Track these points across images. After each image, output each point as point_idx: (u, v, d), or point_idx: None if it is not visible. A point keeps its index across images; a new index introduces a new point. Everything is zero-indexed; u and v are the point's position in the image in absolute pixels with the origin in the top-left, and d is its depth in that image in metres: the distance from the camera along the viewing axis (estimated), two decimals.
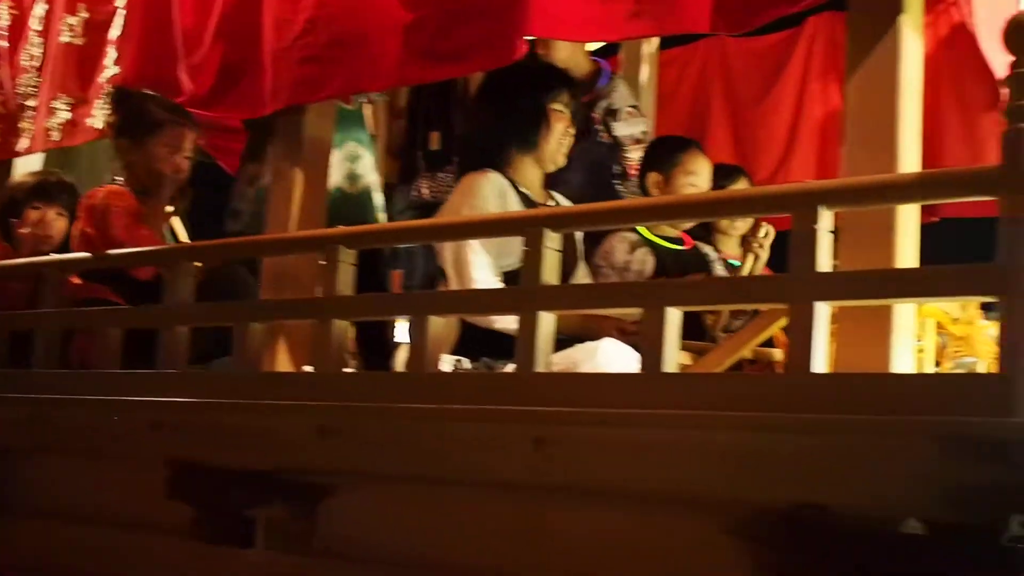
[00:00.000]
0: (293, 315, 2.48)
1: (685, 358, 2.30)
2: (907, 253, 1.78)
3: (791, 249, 1.61)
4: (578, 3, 2.22)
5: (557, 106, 2.76)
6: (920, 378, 1.56)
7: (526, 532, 1.99)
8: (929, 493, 1.46)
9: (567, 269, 2.49)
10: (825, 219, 1.58)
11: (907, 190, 1.58)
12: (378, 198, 3.53)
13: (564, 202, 2.82)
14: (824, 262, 1.58)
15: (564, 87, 2.86)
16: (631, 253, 3.15)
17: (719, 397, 1.67)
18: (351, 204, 3.40)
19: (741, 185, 3.62)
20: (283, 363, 2.56)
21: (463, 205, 2.55)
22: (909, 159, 1.78)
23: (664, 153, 3.27)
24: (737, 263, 3.45)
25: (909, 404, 1.47)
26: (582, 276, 2.77)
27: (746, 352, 2.31)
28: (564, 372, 2.05)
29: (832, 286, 1.56)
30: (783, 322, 2.04)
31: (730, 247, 3.61)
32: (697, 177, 3.18)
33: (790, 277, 1.61)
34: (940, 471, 1.44)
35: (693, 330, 2.74)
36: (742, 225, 3.55)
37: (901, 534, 1.55)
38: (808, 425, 1.54)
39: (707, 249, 3.33)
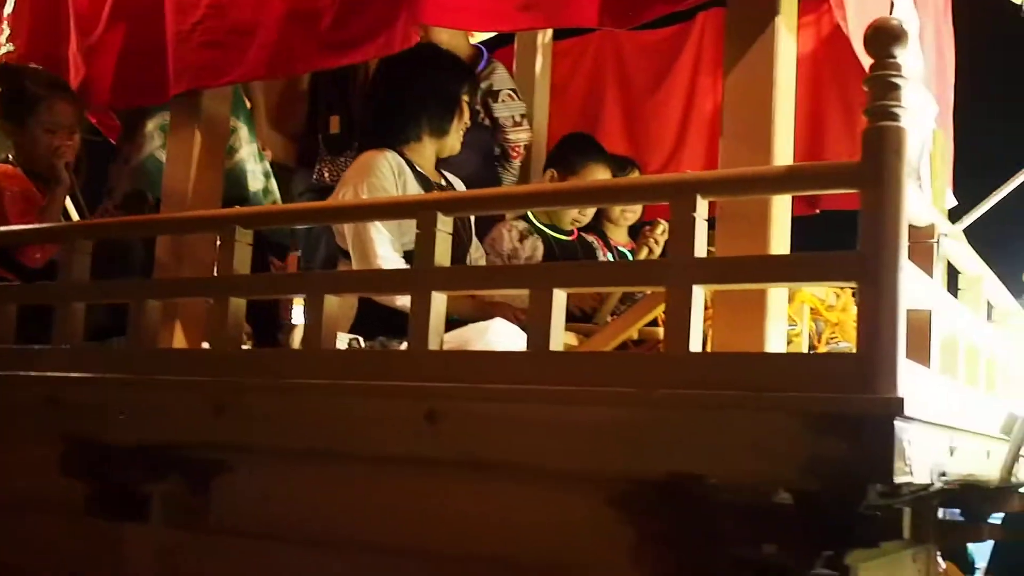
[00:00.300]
0: (190, 293, 2.50)
1: (573, 339, 2.40)
2: (780, 241, 1.90)
3: (670, 236, 1.71)
4: None
5: (466, 96, 2.87)
6: (785, 357, 1.67)
7: (419, 505, 2.07)
8: (794, 464, 1.57)
9: (461, 250, 2.57)
10: (702, 208, 1.68)
11: (776, 182, 1.69)
12: (254, 170, 3.51)
13: (456, 182, 2.90)
14: (700, 248, 1.68)
15: (471, 77, 2.97)
16: (520, 242, 3.25)
17: (602, 374, 1.76)
18: (225, 178, 3.43)
19: (632, 176, 3.75)
20: (179, 340, 2.58)
21: (361, 181, 2.61)
22: (782, 153, 1.90)
23: (569, 156, 3.37)
24: (627, 251, 3.58)
25: (776, 382, 1.58)
26: (476, 257, 2.85)
27: (632, 333, 2.41)
28: (455, 350, 2.13)
29: (707, 271, 1.66)
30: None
31: (619, 236, 3.74)
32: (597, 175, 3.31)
33: (668, 262, 1.72)
34: (803, 444, 1.55)
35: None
36: (632, 216, 3.69)
37: (770, 502, 1.67)
38: (684, 400, 1.64)
39: (591, 239, 3.45)
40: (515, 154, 3.61)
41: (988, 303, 2.55)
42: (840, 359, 1.64)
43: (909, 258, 1.79)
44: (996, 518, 3.34)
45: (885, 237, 1.50)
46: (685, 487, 1.70)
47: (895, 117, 1.53)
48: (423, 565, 2.08)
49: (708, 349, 1.94)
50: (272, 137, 3.88)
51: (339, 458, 2.09)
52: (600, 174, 3.31)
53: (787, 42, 1.94)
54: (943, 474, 1.75)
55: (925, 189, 2.63)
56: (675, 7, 2.08)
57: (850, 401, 1.49)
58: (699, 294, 1.66)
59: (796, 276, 1.65)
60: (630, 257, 3.56)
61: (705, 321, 1.94)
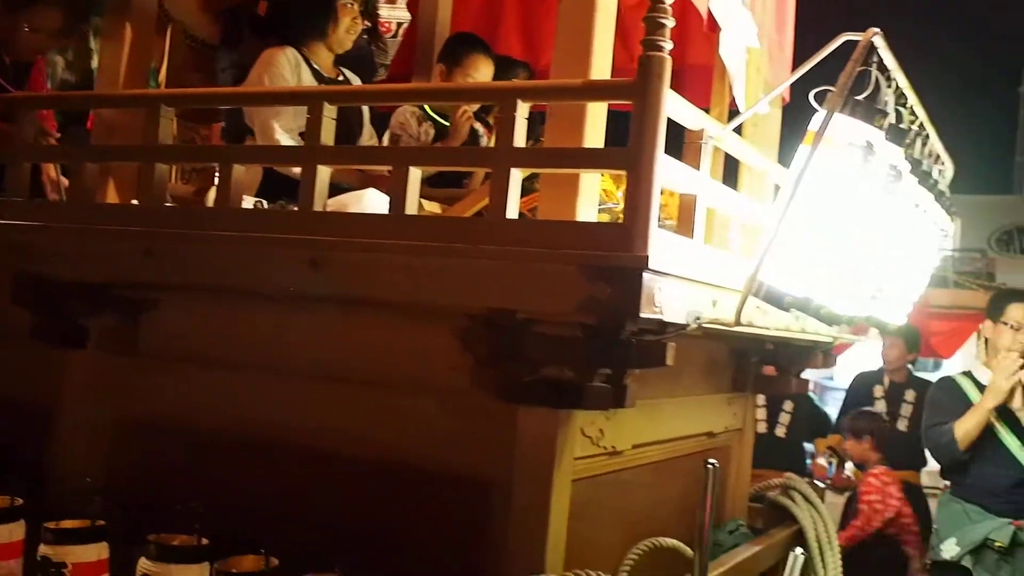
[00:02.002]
0: (124, 159, 2.95)
1: (438, 208, 2.92)
2: (594, 135, 2.41)
3: (497, 130, 2.24)
4: None
5: (345, 1, 3.29)
6: (573, 224, 2.19)
7: (306, 333, 2.61)
8: (576, 303, 2.12)
9: (351, 133, 3.06)
10: (522, 109, 2.19)
11: (574, 92, 2.21)
12: None
13: (354, 78, 3.37)
14: (520, 140, 2.20)
15: None
16: (420, 126, 3.74)
17: (444, 234, 2.29)
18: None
19: (521, 78, 4.18)
20: (112, 197, 3.04)
21: (264, 74, 3.08)
22: (600, 66, 2.40)
23: (456, 50, 3.82)
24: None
25: (567, 242, 2.13)
26: (367, 138, 3.34)
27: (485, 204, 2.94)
28: (336, 211, 2.64)
29: (520, 158, 2.19)
30: None
31: None
32: (474, 78, 3.75)
33: (494, 150, 2.25)
34: (583, 288, 2.10)
35: None
36: None
37: (562, 332, 2.22)
38: (500, 254, 2.18)
39: (477, 126, 3.94)
40: (384, 29, 4.01)
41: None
42: (612, 227, 2.18)
43: (684, 156, 2.35)
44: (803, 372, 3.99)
45: (644, 137, 2.04)
46: (502, 320, 2.26)
47: (660, 49, 2.06)
48: (307, 383, 2.63)
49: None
50: (199, 15, 4.25)
51: (243, 295, 2.60)
52: (483, 66, 3.77)
53: None
54: (698, 318, 2.32)
55: (739, 95, 3.17)
56: None
57: (613, 257, 2.04)
58: (516, 175, 2.20)
59: (583, 164, 2.18)
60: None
61: (535, 197, 2.48)
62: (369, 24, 3.98)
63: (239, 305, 2.65)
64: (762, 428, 6.83)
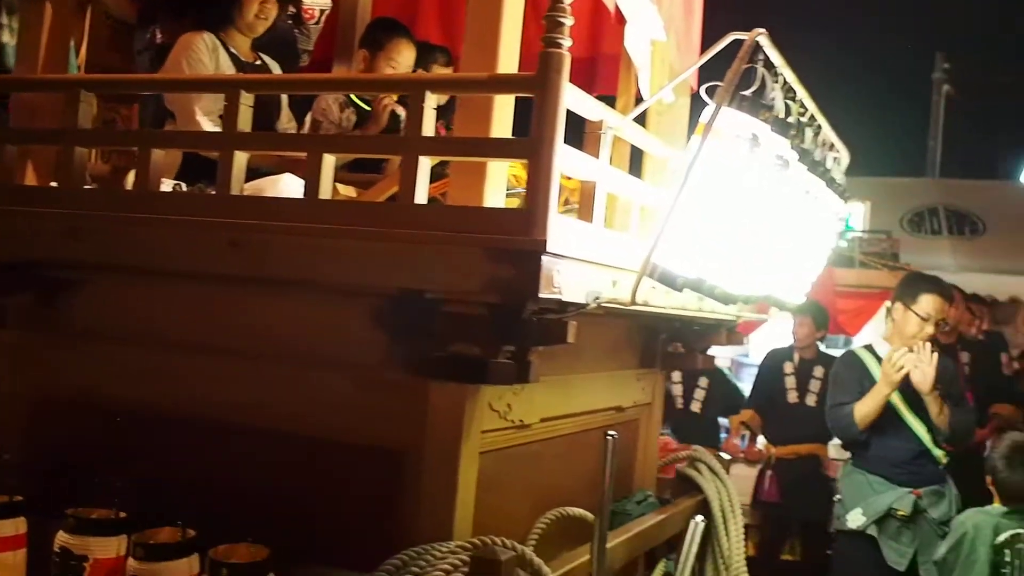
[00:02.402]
0: (42, 142, 3.00)
1: (352, 191, 3.03)
2: (501, 125, 2.53)
3: (407, 118, 2.35)
4: None
5: None
6: (477, 210, 2.31)
7: (224, 312, 2.70)
8: (481, 284, 2.25)
9: (269, 118, 3.15)
10: (430, 100, 2.31)
11: (480, 85, 2.33)
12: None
13: (273, 64, 3.45)
14: (428, 130, 2.32)
15: None
16: (342, 112, 3.82)
17: (356, 217, 2.41)
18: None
19: (440, 64, 4.27)
20: (31, 178, 3.08)
21: (182, 58, 3.15)
22: (507, 60, 2.51)
23: (377, 35, 3.90)
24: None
25: (471, 227, 2.26)
26: (285, 122, 3.43)
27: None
28: (252, 195, 2.73)
29: (429, 146, 2.31)
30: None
31: None
32: (397, 62, 3.84)
33: (404, 139, 2.36)
34: (486, 270, 2.23)
35: None
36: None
37: (468, 311, 2.35)
38: (411, 237, 2.30)
39: (400, 110, 4.03)
40: (307, 16, 4.08)
41: None
42: (514, 212, 2.29)
43: (584, 145, 2.48)
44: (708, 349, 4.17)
45: (544, 128, 2.17)
46: (412, 299, 2.38)
47: (560, 46, 2.19)
48: (227, 360, 2.72)
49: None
50: None
51: (162, 276, 2.69)
52: (405, 51, 3.86)
53: None
54: (597, 298, 2.46)
55: (644, 85, 3.32)
56: None
57: (514, 241, 2.17)
58: (425, 163, 2.32)
59: (487, 153, 2.31)
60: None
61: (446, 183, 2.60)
62: (294, 10, 4.06)
63: (159, 285, 2.73)
64: (679, 404, 7.06)
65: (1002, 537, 4.18)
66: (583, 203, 2.48)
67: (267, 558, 2.29)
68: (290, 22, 4.06)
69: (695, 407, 7.05)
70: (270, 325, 2.67)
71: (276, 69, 3.44)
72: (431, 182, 2.53)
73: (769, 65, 2.48)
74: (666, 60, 3.38)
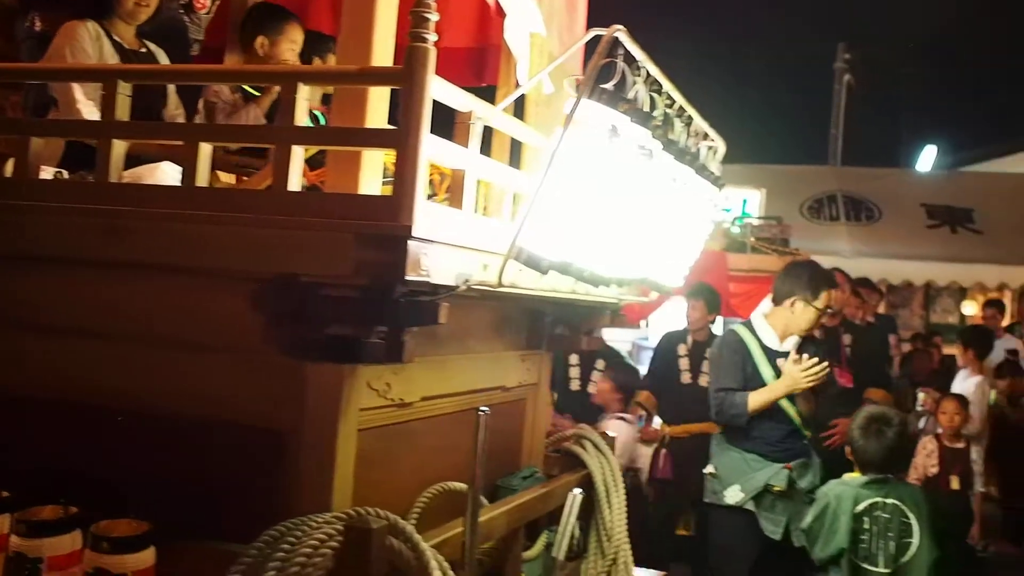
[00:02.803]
0: None
1: (233, 179, 3.11)
2: (376, 115, 2.63)
3: (279, 108, 2.45)
4: None
5: None
6: (348, 196, 2.41)
7: (105, 297, 2.76)
8: (352, 267, 2.36)
9: (155, 106, 3.20)
10: (302, 91, 2.41)
11: (350, 77, 2.44)
12: None
13: (159, 52, 3.50)
14: (300, 119, 2.42)
15: None
16: (233, 94, 3.89)
17: (235, 204, 2.49)
18: None
19: (333, 54, 4.34)
20: None
21: (65, 46, 3.19)
22: (382, 52, 2.61)
23: (274, 21, 3.97)
24: (319, 113, 4.25)
25: (342, 213, 2.36)
26: (173, 108, 3.48)
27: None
28: (131, 182, 2.79)
29: (300, 136, 2.41)
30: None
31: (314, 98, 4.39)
32: (296, 43, 3.93)
33: (277, 128, 2.45)
34: (356, 254, 2.34)
35: None
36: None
37: (339, 293, 2.45)
38: (282, 223, 2.39)
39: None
40: (199, 5, 4.14)
41: None
42: (382, 199, 2.40)
43: (455, 134, 2.60)
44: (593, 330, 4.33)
45: (411, 119, 2.28)
46: (288, 284, 2.47)
47: (425, 40, 2.30)
48: (111, 345, 2.78)
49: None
50: None
51: (45, 262, 2.74)
52: (298, 35, 3.94)
53: None
54: (467, 280, 2.58)
55: (523, 77, 3.45)
56: None
57: (381, 226, 2.29)
58: (298, 152, 2.41)
59: (355, 142, 2.41)
60: (322, 120, 4.23)
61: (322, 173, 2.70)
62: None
63: (40, 272, 2.77)
64: (576, 386, 7.23)
65: (861, 506, 4.44)
66: (453, 190, 2.60)
67: (147, 532, 2.38)
68: (181, 11, 4.10)
69: (592, 388, 7.23)
70: (151, 310, 2.73)
71: (162, 57, 3.49)
72: (313, 170, 2.62)
73: (630, 60, 2.62)
74: (545, 52, 3.50)
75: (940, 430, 6.72)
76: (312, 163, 3.06)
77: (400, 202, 2.29)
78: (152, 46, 3.48)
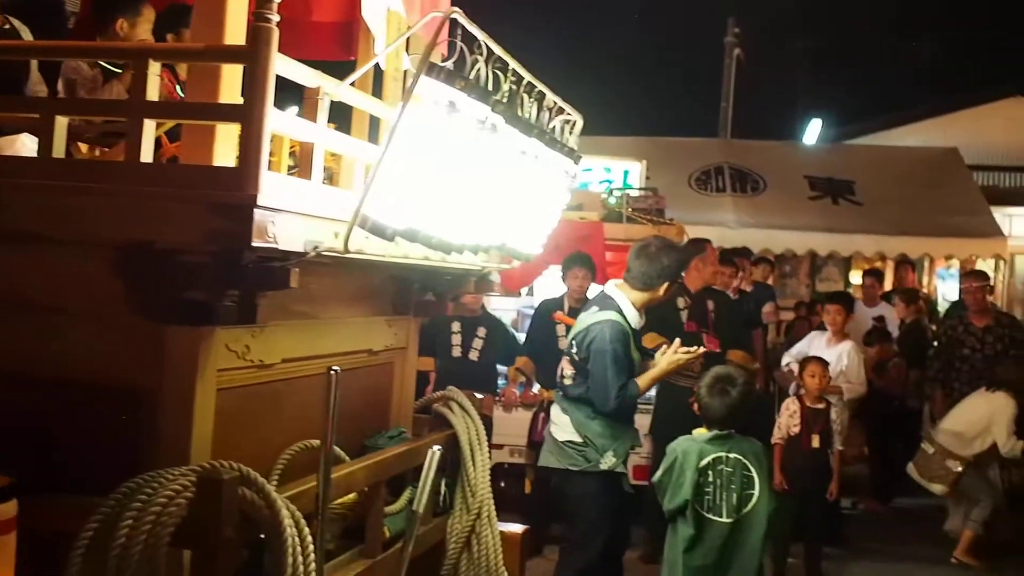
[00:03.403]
0: None
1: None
2: (230, 91, 2.76)
3: (132, 84, 2.58)
4: None
5: None
6: (196, 168, 2.56)
7: None
8: (204, 235, 2.51)
9: (18, 80, 3.29)
10: (154, 67, 2.54)
11: (195, 55, 2.59)
12: None
13: (21, 26, 3.57)
14: (152, 94, 2.55)
15: None
16: (92, 70, 3.97)
17: (90, 175, 2.62)
18: None
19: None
20: None
21: None
22: (234, 30, 2.74)
23: (130, 3, 4.05)
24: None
25: (193, 183, 2.51)
26: (35, 82, 3.55)
27: None
28: None
29: (151, 110, 2.55)
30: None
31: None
32: (151, 23, 4.01)
33: (130, 102, 2.59)
34: (206, 222, 2.49)
35: None
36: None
37: (192, 259, 2.60)
38: (136, 193, 2.53)
39: (165, 77, 4.19)
40: None
41: None
42: (230, 171, 2.55)
43: (303, 109, 2.76)
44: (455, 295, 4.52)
45: (255, 94, 2.44)
46: (144, 251, 2.61)
47: (268, 21, 2.45)
48: None
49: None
50: None
51: None
52: (150, 13, 4.02)
53: None
54: (316, 247, 2.75)
55: (380, 54, 3.60)
56: None
57: (228, 196, 2.44)
58: (150, 124, 2.55)
59: (203, 117, 2.56)
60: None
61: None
62: None
63: None
64: (457, 353, 7.43)
65: (705, 460, 4.74)
66: (302, 162, 2.76)
67: (9, 485, 2.50)
68: None
69: (473, 356, 7.43)
70: (19, 277, 2.83)
71: (25, 33, 3.56)
72: (173, 142, 2.75)
73: (470, 40, 2.80)
74: (404, 29, 3.66)
75: (803, 391, 7.05)
76: (173, 136, 3.20)
77: (245, 172, 2.45)
78: (16, 22, 3.54)
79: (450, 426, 4.31)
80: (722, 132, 19.79)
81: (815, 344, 8.11)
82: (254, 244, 2.46)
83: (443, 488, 4.29)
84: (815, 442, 6.89)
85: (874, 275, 11.44)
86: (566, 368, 5.30)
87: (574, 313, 7.32)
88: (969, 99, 20.12)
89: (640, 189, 9.22)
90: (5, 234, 2.74)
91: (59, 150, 2.62)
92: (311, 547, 2.75)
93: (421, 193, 2.83)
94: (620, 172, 10.15)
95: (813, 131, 20.24)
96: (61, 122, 2.60)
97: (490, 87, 2.98)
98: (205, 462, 2.68)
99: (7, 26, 3.50)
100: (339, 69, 3.17)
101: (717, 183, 14.80)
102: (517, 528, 4.67)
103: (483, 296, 7.44)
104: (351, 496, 3.51)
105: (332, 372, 2.86)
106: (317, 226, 2.76)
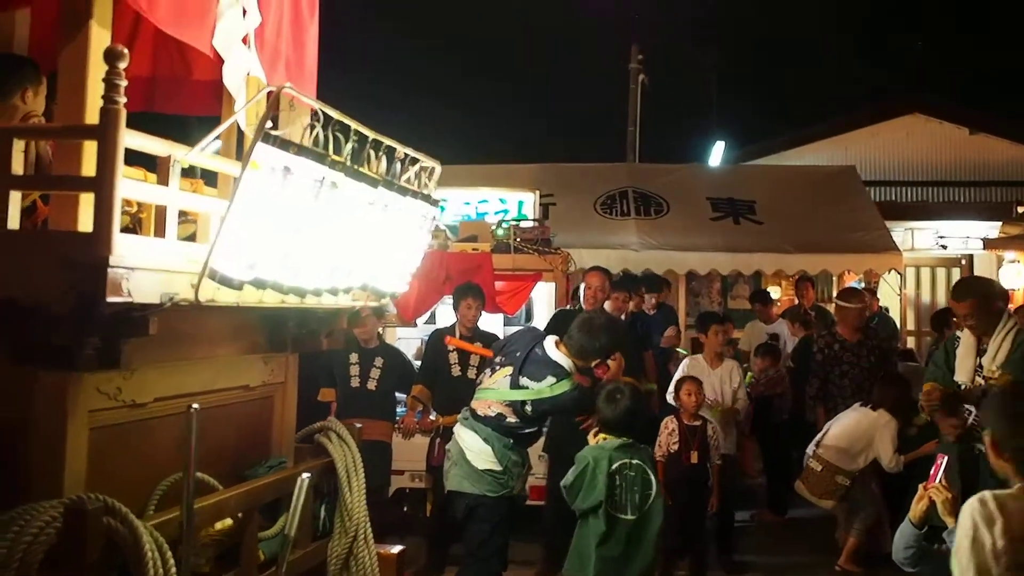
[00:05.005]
0: None
1: None
2: (90, 163, 3.08)
3: None
4: None
5: None
6: (61, 233, 2.90)
7: None
8: (61, 291, 2.83)
9: None
10: (18, 145, 2.86)
11: (57, 132, 2.91)
12: None
13: None
14: (17, 168, 2.88)
15: None
16: None
17: None
18: None
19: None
20: None
21: None
22: (93, 107, 3.06)
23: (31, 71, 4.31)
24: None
25: (55, 246, 2.83)
26: None
27: None
28: None
29: (16, 182, 2.87)
30: None
31: None
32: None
33: None
34: (65, 279, 2.81)
35: None
36: None
37: (55, 311, 2.90)
38: (6, 256, 2.84)
39: None
40: None
41: None
42: (86, 236, 2.86)
43: (158, 175, 3.09)
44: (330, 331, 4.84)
45: (105, 168, 2.77)
46: (15, 304, 2.91)
47: (116, 103, 2.78)
48: None
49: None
50: None
51: None
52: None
53: (98, 33, 3.12)
54: (172, 298, 3.07)
55: (240, 116, 3.94)
56: None
57: (84, 256, 2.77)
58: (16, 196, 2.87)
59: (59, 187, 2.89)
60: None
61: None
62: None
63: None
64: (356, 383, 7.74)
65: (614, 466, 5.36)
66: (157, 222, 3.09)
67: None
68: None
69: (371, 385, 7.74)
70: None
71: None
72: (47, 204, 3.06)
73: (320, 115, 3.17)
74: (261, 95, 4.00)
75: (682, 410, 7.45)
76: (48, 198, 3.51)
77: (99, 236, 2.78)
78: None
79: (328, 455, 4.63)
80: (630, 156, 20.27)
81: (694, 367, 8.43)
82: (109, 299, 2.78)
83: (323, 513, 4.62)
84: (694, 458, 7.30)
85: (762, 298, 11.91)
86: (508, 416, 5.70)
87: (465, 340, 7.72)
88: (868, 117, 20.73)
89: (534, 220, 9.61)
90: None
91: None
92: (173, 571, 3.06)
93: (268, 245, 3.17)
94: (515, 202, 10.54)
95: (717, 153, 20.83)
96: None
97: (330, 149, 3.33)
98: (74, 496, 2.97)
99: None
100: None
101: (622, 207, 15.13)
102: (394, 549, 5.00)
103: (376, 328, 7.78)
104: (227, 522, 3.81)
105: (191, 409, 3.18)
106: (175, 279, 3.08)
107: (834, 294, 15.61)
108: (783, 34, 24.91)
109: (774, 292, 14.94)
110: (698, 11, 23.66)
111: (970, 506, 3.09)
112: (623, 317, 8.79)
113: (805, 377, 9.23)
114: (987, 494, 3.10)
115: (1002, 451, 3.29)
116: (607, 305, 8.03)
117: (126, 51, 2.80)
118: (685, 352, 10.30)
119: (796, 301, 12.45)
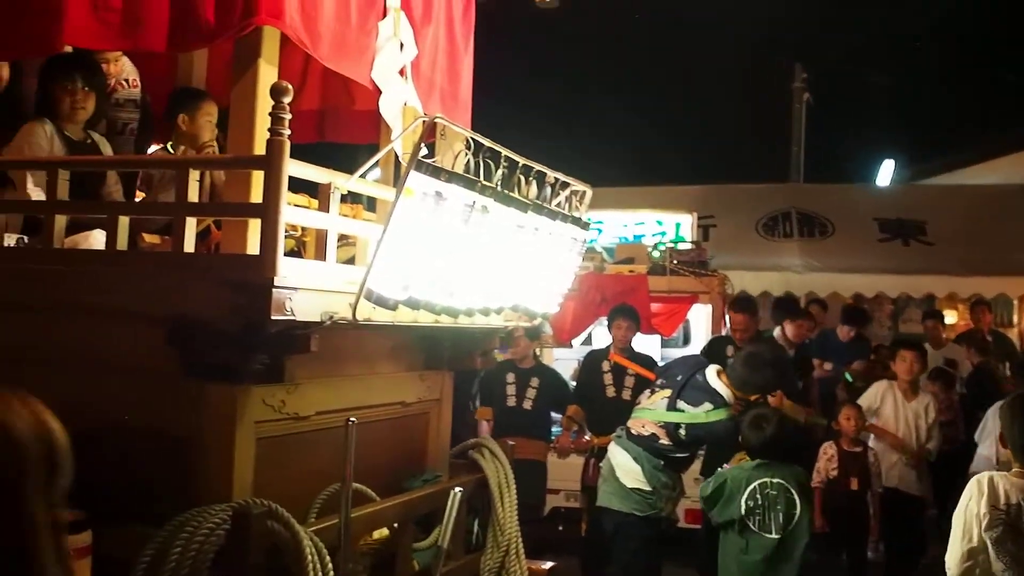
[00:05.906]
0: None
1: (156, 239, 3.82)
2: (258, 190, 3.32)
3: (176, 188, 3.16)
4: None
5: (66, 84, 4.13)
6: (231, 256, 3.13)
7: (53, 334, 3.45)
8: (231, 310, 3.06)
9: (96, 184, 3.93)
10: (194, 175, 3.12)
11: (226, 163, 3.14)
12: None
13: (101, 139, 4.22)
14: (193, 196, 3.13)
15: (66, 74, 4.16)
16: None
17: (144, 263, 3.20)
18: None
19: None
20: None
21: (23, 144, 3.93)
22: (261, 139, 3.29)
23: (191, 100, 4.66)
24: None
25: (223, 269, 3.07)
26: (112, 185, 4.18)
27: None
28: (69, 248, 3.50)
29: (194, 209, 3.12)
30: None
31: None
32: (212, 116, 4.61)
33: (176, 204, 3.18)
34: (232, 298, 3.03)
35: None
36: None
37: (225, 329, 3.14)
38: (182, 277, 3.10)
39: None
40: (110, 89, 4.78)
41: None
42: (254, 258, 3.08)
43: (319, 201, 3.30)
44: None
45: (270, 195, 2.99)
46: (189, 322, 3.16)
47: (281, 135, 3.00)
48: (59, 369, 3.41)
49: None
50: None
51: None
52: (210, 107, 4.62)
53: (266, 71, 3.35)
54: (332, 316, 3.27)
55: (397, 145, 4.14)
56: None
57: (251, 278, 2.99)
58: (191, 222, 3.12)
59: (227, 213, 3.14)
60: None
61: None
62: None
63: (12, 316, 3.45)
64: (512, 402, 7.90)
65: (752, 486, 5.43)
66: (318, 246, 3.30)
67: (85, 519, 3.04)
68: (117, 103, 4.79)
69: (527, 404, 7.88)
70: (91, 343, 3.40)
71: (105, 146, 4.21)
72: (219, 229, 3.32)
73: (471, 143, 3.34)
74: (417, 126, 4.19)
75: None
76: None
77: (265, 259, 2.99)
78: (96, 136, 4.20)
79: (481, 470, 4.78)
80: (793, 176, 19.92)
81: (887, 396, 7.84)
82: (274, 317, 2.99)
83: (476, 527, 4.76)
84: (854, 484, 7.13)
85: (936, 316, 11.44)
86: (661, 437, 5.82)
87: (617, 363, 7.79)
88: None
89: (691, 242, 9.60)
90: (78, 308, 3.31)
91: (122, 243, 3.20)
92: (331, 574, 3.24)
93: (421, 267, 3.33)
94: (672, 224, 10.55)
95: (886, 172, 20.26)
96: (123, 221, 3.19)
97: (480, 175, 3.48)
98: (242, 500, 3.19)
99: (89, 141, 4.14)
100: None
101: (784, 228, 14.82)
102: (545, 565, 5.11)
103: (530, 348, 7.92)
104: (384, 532, 4.00)
105: (350, 422, 3.37)
106: (334, 299, 3.28)
107: (1015, 319, 14.94)
108: (957, 49, 24.04)
109: (949, 317, 14.30)
110: (865, 28, 23.07)
111: (971, 483, 3.90)
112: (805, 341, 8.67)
113: (980, 407, 8.84)
114: (986, 474, 3.92)
115: (1006, 444, 4.04)
116: (789, 331, 7.98)
117: (290, 87, 3.01)
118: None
119: (972, 326, 11.91)
